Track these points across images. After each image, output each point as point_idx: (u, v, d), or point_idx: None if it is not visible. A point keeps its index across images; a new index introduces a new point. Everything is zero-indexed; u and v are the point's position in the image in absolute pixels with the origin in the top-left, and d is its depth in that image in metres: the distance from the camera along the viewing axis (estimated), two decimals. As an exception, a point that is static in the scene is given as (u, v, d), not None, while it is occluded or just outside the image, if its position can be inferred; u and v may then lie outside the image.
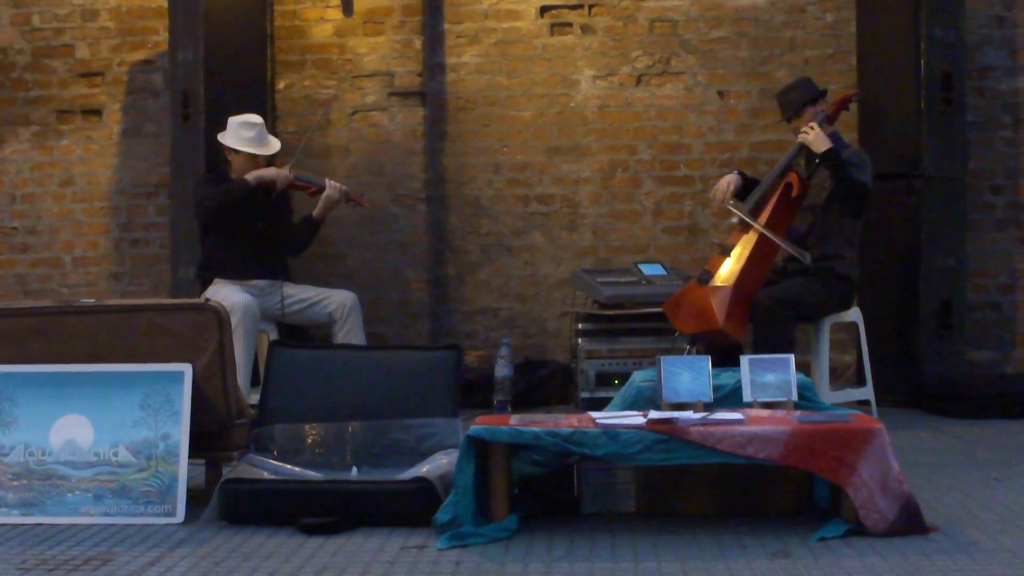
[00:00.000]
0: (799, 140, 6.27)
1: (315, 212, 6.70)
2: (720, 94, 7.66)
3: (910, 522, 4.02)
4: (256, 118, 6.63)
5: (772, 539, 4.00)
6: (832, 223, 6.29)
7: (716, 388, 4.48)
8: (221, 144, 6.65)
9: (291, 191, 6.80)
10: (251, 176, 6.49)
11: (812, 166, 6.35)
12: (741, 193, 6.40)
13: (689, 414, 4.24)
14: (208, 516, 4.37)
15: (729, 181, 6.37)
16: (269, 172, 6.53)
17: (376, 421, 4.74)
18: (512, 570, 3.74)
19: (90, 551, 4.01)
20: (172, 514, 4.39)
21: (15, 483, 4.47)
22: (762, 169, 7.27)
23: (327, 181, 6.71)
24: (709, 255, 6.68)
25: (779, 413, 4.34)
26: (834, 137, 6.30)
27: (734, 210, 6.28)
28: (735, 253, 6.19)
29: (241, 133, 6.57)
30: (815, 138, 6.18)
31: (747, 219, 6.19)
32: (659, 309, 6.43)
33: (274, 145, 6.75)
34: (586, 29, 7.70)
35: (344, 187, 6.72)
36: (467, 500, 4.09)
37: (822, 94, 6.45)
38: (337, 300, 6.59)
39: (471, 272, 7.76)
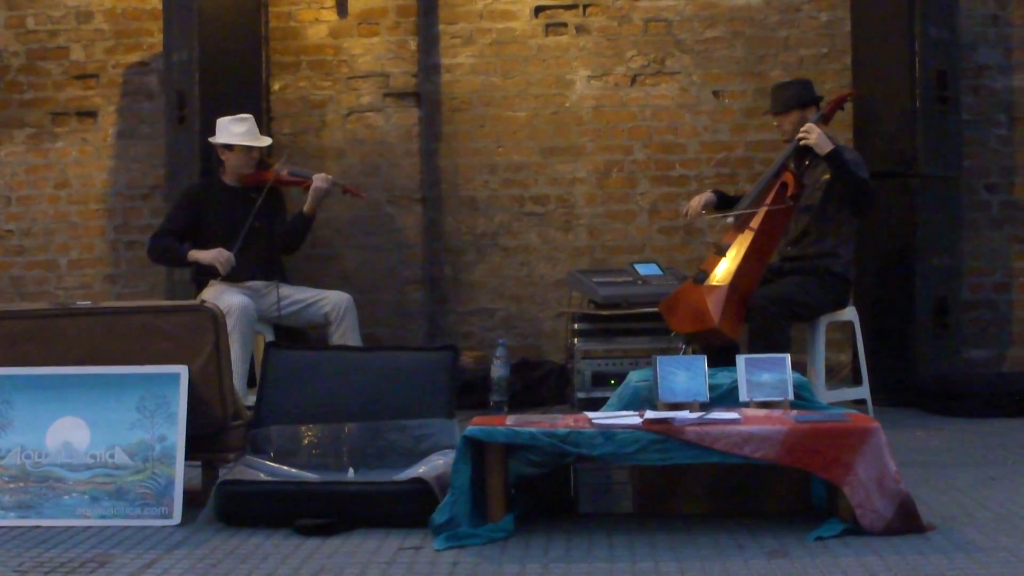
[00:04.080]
0: (799, 142, 6.26)
1: (306, 207, 6.69)
2: (715, 94, 7.66)
3: (907, 521, 4.03)
4: (245, 115, 6.65)
5: (769, 539, 4.00)
6: (827, 222, 6.30)
7: (712, 388, 4.48)
8: (214, 146, 6.65)
9: (285, 187, 6.80)
10: (191, 255, 6.56)
11: (804, 166, 6.35)
12: (724, 209, 6.47)
13: (685, 414, 4.24)
14: (205, 518, 4.37)
15: (700, 197, 6.45)
16: (207, 255, 6.49)
17: (372, 422, 4.74)
18: (509, 570, 3.74)
19: (87, 553, 4.01)
20: (169, 516, 4.39)
21: (11, 486, 4.47)
22: (758, 169, 7.30)
23: (315, 174, 6.71)
24: (705, 255, 6.69)
25: (775, 412, 4.34)
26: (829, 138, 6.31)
27: (709, 217, 6.32)
28: (730, 253, 6.19)
29: (232, 129, 6.60)
30: (817, 139, 6.17)
31: (740, 213, 6.21)
32: (655, 309, 6.43)
33: (265, 139, 6.79)
34: (581, 29, 7.70)
35: (332, 177, 6.72)
36: (464, 501, 4.09)
37: (815, 101, 6.45)
38: (332, 301, 6.59)
39: (467, 273, 7.77)
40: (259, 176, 6.64)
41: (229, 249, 6.48)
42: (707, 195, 6.52)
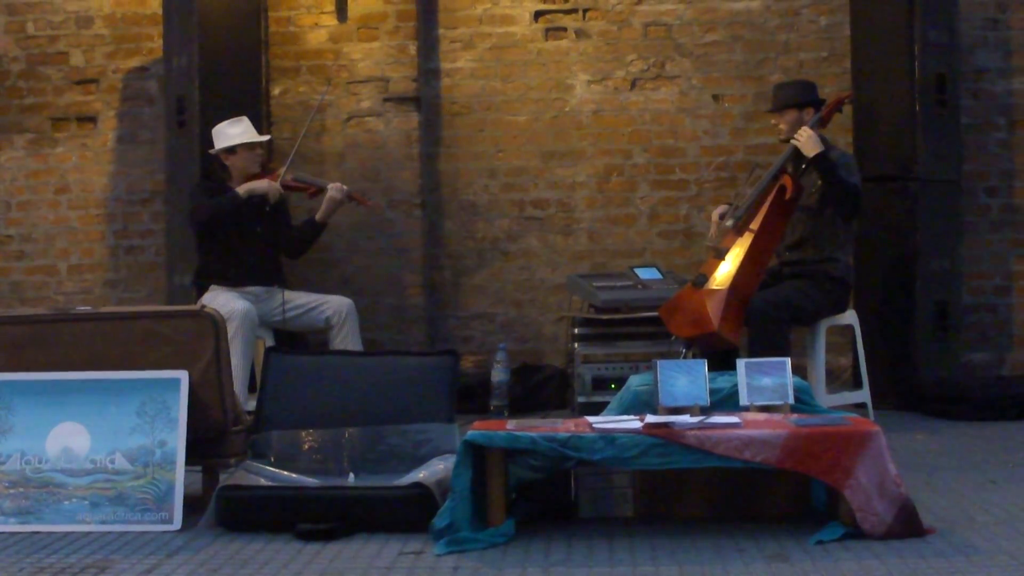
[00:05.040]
0: (791, 144, 6.27)
1: (318, 215, 6.69)
2: (715, 98, 7.66)
3: (907, 525, 4.03)
4: (239, 117, 6.64)
5: (769, 542, 4.00)
6: (825, 226, 6.30)
7: (712, 392, 4.48)
8: (216, 155, 6.63)
9: (289, 193, 6.80)
10: (243, 189, 6.48)
11: (802, 170, 6.35)
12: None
13: (686, 418, 4.24)
14: (205, 523, 4.37)
15: (716, 212, 6.45)
16: (261, 184, 6.51)
17: (373, 427, 4.74)
18: (510, 575, 3.74)
19: (87, 559, 4.01)
20: (169, 521, 4.39)
21: (12, 491, 4.47)
22: (757, 172, 7.27)
23: (328, 183, 6.71)
24: (705, 259, 6.69)
25: (776, 416, 4.35)
26: (821, 141, 6.31)
27: (731, 219, 6.30)
28: (730, 256, 6.19)
29: (230, 132, 6.59)
30: (806, 141, 6.18)
31: (737, 219, 6.21)
32: (655, 313, 6.43)
33: (264, 136, 6.84)
34: (580, 33, 7.71)
35: (346, 187, 6.72)
36: (464, 505, 4.09)
37: (813, 103, 6.43)
38: (334, 306, 6.58)
39: (467, 277, 7.76)
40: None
41: (233, 256, 6.49)
42: (721, 207, 6.50)
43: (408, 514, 4.24)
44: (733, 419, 4.23)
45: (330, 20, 7.63)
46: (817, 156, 6.13)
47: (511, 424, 4.36)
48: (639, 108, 7.69)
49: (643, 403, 4.54)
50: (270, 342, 6.54)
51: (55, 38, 7.86)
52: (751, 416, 4.35)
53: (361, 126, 7.64)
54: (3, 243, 7.94)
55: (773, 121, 6.57)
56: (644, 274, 7.04)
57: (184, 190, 6.91)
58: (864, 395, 6.47)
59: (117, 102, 7.85)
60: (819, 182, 6.25)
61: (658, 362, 4.50)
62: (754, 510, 4.37)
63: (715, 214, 6.45)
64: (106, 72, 7.84)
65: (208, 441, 4.61)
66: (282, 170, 6.67)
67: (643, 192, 7.70)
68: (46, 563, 3.96)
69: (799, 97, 6.42)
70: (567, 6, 7.70)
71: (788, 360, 4.56)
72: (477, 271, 7.76)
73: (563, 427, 4.27)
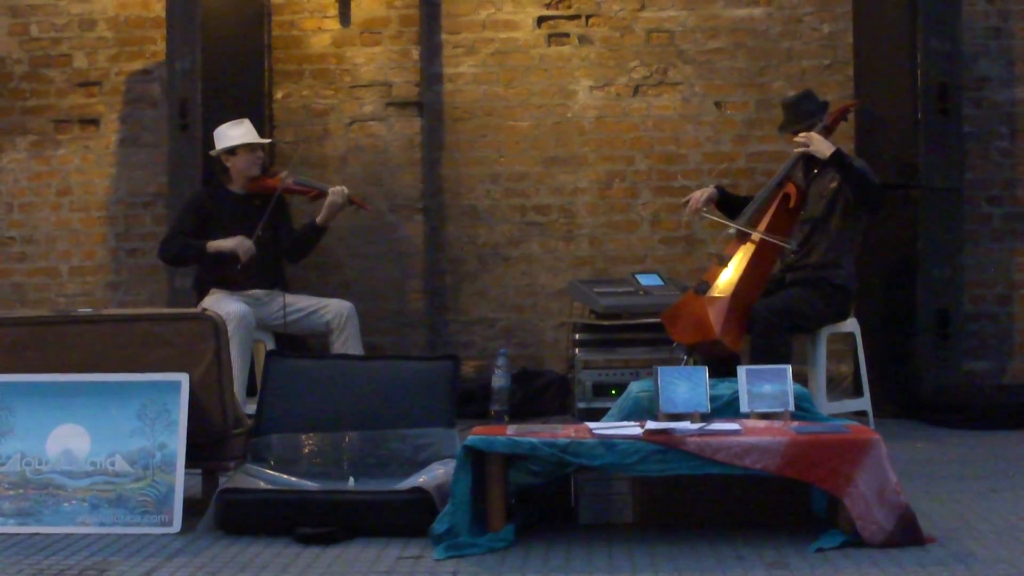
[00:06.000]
0: (797, 151, 6.27)
1: (319, 219, 6.69)
2: (717, 104, 7.66)
3: (907, 533, 4.02)
4: (240, 119, 6.65)
5: (769, 550, 4.00)
6: (830, 233, 6.30)
7: (713, 399, 4.47)
8: (217, 158, 6.63)
9: (290, 196, 6.80)
10: (211, 246, 6.50)
11: (810, 176, 6.35)
12: (726, 207, 6.47)
13: (686, 424, 4.24)
14: (204, 526, 4.37)
15: (703, 191, 6.42)
16: (229, 243, 6.48)
17: (373, 431, 4.74)
18: (509, 581, 3.74)
19: (86, 561, 4.01)
20: (168, 524, 4.39)
21: (11, 493, 4.47)
22: (759, 180, 7.29)
23: (329, 187, 6.71)
24: (706, 265, 6.69)
25: (776, 424, 4.34)
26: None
27: (709, 216, 6.31)
28: (732, 264, 6.19)
29: (231, 133, 6.61)
30: (817, 144, 6.18)
31: (741, 227, 6.21)
32: (656, 319, 6.43)
33: (265, 138, 6.86)
34: (583, 39, 7.71)
35: (347, 190, 6.71)
36: (464, 510, 4.09)
37: (825, 108, 6.46)
38: (334, 310, 6.59)
39: (468, 282, 7.76)
40: (265, 184, 6.65)
41: (234, 259, 6.47)
42: (710, 190, 6.50)
43: (408, 518, 4.24)
44: (733, 426, 4.22)
45: (333, 24, 7.63)
46: (833, 155, 6.14)
47: (511, 429, 4.35)
48: (641, 114, 7.70)
49: (643, 409, 4.54)
50: (271, 345, 6.55)
51: (58, 40, 7.87)
52: (751, 423, 4.34)
53: (363, 130, 7.64)
54: (5, 245, 7.94)
55: (800, 137, 6.41)
56: (645, 280, 7.04)
57: (186, 193, 6.92)
58: (865, 403, 6.47)
59: (120, 105, 7.86)
60: (831, 186, 6.25)
61: (659, 368, 4.50)
62: (754, 517, 4.37)
63: (701, 191, 6.44)
64: (109, 75, 7.85)
65: (208, 444, 4.61)
66: (283, 173, 6.68)
67: (645, 198, 7.70)
68: (45, 565, 3.96)
69: (818, 105, 6.44)
70: (570, 12, 7.71)
71: (789, 367, 4.56)
72: (478, 276, 7.76)
73: (563, 433, 4.27)
